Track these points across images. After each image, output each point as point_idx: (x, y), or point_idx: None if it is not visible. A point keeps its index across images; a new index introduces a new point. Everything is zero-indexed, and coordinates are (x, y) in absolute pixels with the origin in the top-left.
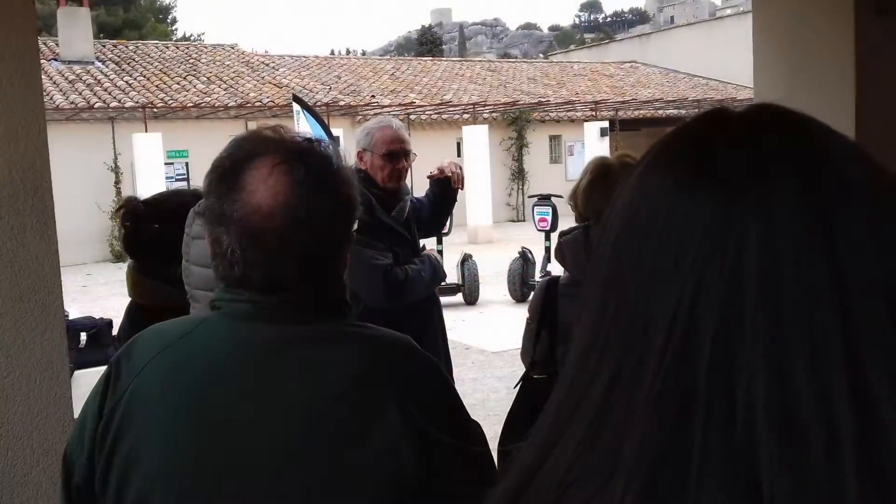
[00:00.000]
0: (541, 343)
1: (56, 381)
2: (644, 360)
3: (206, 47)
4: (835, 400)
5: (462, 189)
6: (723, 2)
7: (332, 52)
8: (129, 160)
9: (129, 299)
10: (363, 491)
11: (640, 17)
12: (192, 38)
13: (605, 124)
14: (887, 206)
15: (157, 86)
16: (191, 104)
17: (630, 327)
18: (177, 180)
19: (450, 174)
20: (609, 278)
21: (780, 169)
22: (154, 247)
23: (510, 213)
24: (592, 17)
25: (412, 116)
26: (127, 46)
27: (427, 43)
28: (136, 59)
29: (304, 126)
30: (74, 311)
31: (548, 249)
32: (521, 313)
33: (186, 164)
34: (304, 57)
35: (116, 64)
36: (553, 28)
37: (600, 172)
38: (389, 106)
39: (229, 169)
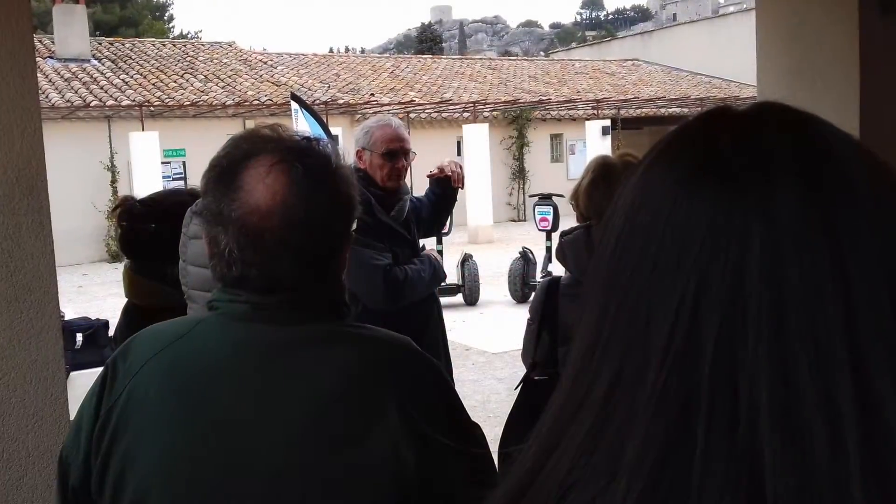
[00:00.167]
0: (542, 344)
1: (52, 383)
2: (646, 360)
3: (203, 45)
4: (838, 400)
5: (462, 188)
6: None
7: (331, 50)
8: (126, 159)
9: (125, 300)
10: (362, 492)
11: (642, 14)
12: (189, 35)
13: (607, 123)
14: (891, 205)
15: (153, 84)
16: (188, 103)
17: (632, 328)
18: (174, 179)
19: (450, 173)
20: (610, 278)
21: (783, 168)
22: (151, 247)
23: (511, 213)
24: (594, 14)
25: (412, 115)
26: (123, 44)
27: (427, 41)
28: (133, 57)
29: (302, 125)
30: (70, 311)
31: (549, 249)
32: (521, 314)
33: (183, 163)
34: (303, 55)
35: (113, 62)
36: (554, 25)
37: (602, 172)
38: (389, 104)
39: (227, 168)
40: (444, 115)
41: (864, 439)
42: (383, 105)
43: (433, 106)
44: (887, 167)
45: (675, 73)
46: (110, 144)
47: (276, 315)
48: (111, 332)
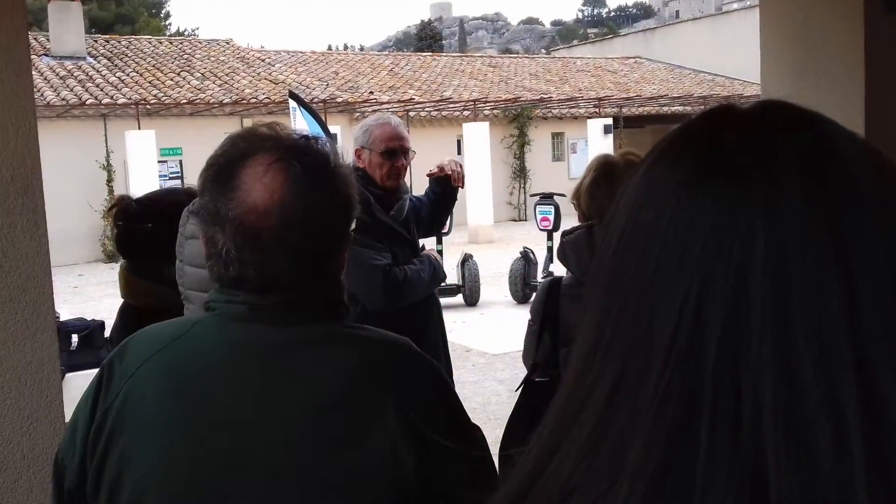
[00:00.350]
0: (543, 345)
1: (47, 384)
2: (648, 361)
3: (200, 42)
4: (843, 400)
5: (462, 187)
6: None
7: (330, 48)
8: (122, 158)
9: (121, 300)
10: (361, 493)
11: (644, 11)
12: (186, 33)
13: (609, 121)
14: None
15: (150, 82)
16: (185, 101)
17: (634, 328)
18: (170, 178)
19: (450, 172)
20: (613, 278)
21: (787, 166)
22: (147, 247)
23: (511, 213)
24: (596, 11)
25: (411, 113)
26: (119, 42)
27: (427, 38)
28: (129, 55)
29: (300, 123)
30: (66, 312)
31: (550, 249)
32: (522, 315)
33: (180, 161)
34: (301, 52)
35: (109, 59)
36: (555, 23)
37: (604, 171)
38: (388, 102)
39: (224, 167)
40: (443, 113)
41: (868, 439)
42: (382, 103)
43: (433, 104)
44: (892, 165)
45: (678, 71)
46: (106, 143)
47: (274, 316)
48: (107, 334)
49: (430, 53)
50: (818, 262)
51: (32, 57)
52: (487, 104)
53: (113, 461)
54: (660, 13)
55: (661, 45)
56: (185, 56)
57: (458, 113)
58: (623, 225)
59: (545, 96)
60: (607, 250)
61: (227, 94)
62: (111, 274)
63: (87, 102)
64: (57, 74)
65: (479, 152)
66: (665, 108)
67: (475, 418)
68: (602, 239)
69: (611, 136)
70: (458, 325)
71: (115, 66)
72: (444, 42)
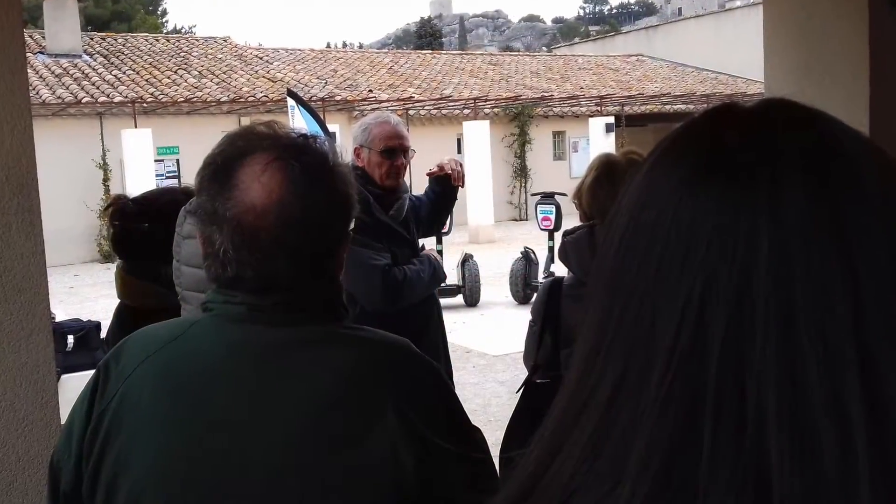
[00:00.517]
0: (544, 346)
1: (42, 386)
2: (651, 362)
3: (197, 40)
4: (847, 400)
5: (462, 187)
6: None
7: (328, 45)
8: (118, 157)
9: (117, 301)
10: (360, 494)
11: (646, 8)
12: (183, 30)
13: (611, 120)
14: None
15: (146, 80)
16: (182, 99)
17: (636, 329)
18: (167, 178)
19: (450, 171)
20: (614, 278)
21: (791, 165)
22: (144, 247)
23: (512, 212)
24: (597, 8)
25: (411, 112)
26: (116, 39)
27: (426, 35)
28: (126, 53)
29: (299, 122)
30: (61, 312)
31: (551, 249)
32: (523, 315)
33: (177, 160)
34: (299, 50)
35: (105, 57)
36: (557, 20)
37: (605, 170)
38: (387, 101)
39: (222, 166)
40: (443, 111)
41: (872, 440)
42: (382, 101)
43: (433, 102)
44: None
45: (681, 69)
46: (102, 142)
47: (272, 316)
48: (103, 334)
49: (430, 51)
50: (822, 261)
51: (28, 55)
52: (488, 102)
53: (109, 463)
54: (662, 10)
55: (664, 42)
56: (182, 54)
57: (459, 111)
58: (625, 224)
59: (546, 94)
60: (609, 250)
61: (225, 92)
62: (107, 274)
63: (83, 101)
64: (52, 72)
65: (479, 151)
66: (667, 107)
67: (475, 420)
68: (604, 239)
69: (612, 134)
70: (459, 326)
71: (112, 63)
72: (443, 40)
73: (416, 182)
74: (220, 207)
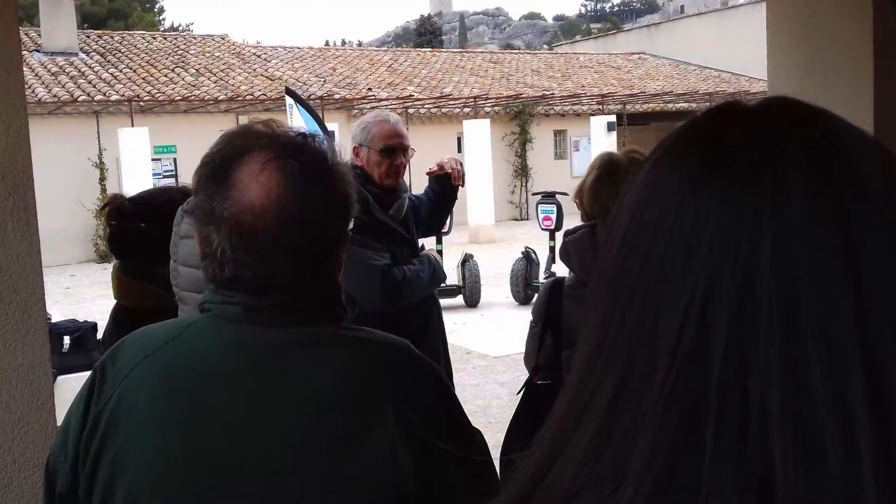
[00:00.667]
0: (545, 347)
1: (38, 387)
2: (653, 363)
3: (194, 38)
4: (851, 401)
5: (463, 186)
6: None
7: (327, 43)
8: (115, 156)
9: (114, 301)
10: (359, 496)
11: (648, 6)
12: (180, 28)
13: (613, 118)
14: None
15: (143, 78)
16: (179, 97)
17: (638, 330)
18: (164, 177)
19: (450, 171)
20: (616, 278)
21: (795, 164)
22: (140, 246)
23: (513, 212)
24: (599, 6)
25: (411, 110)
26: (112, 37)
27: (426, 33)
28: (122, 51)
29: (297, 120)
30: (57, 313)
31: (552, 249)
32: (524, 316)
33: (174, 160)
34: (298, 48)
35: (101, 55)
36: (558, 18)
37: (607, 169)
38: (387, 99)
39: (219, 165)
40: (443, 110)
41: (876, 441)
42: (381, 100)
43: (433, 101)
44: None
45: (683, 67)
46: (99, 141)
47: (270, 317)
48: (100, 335)
49: (430, 49)
50: (825, 260)
51: (23, 53)
52: (488, 101)
53: (106, 465)
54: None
55: (666, 40)
56: (180, 52)
57: (459, 110)
58: (627, 224)
59: (547, 93)
60: (611, 250)
61: (223, 90)
62: (104, 274)
63: (80, 99)
64: (48, 71)
65: (479, 150)
66: (670, 105)
67: (476, 422)
68: (605, 238)
69: (614, 133)
70: (459, 327)
71: (108, 62)
72: (444, 37)
73: (416, 181)
74: (217, 207)
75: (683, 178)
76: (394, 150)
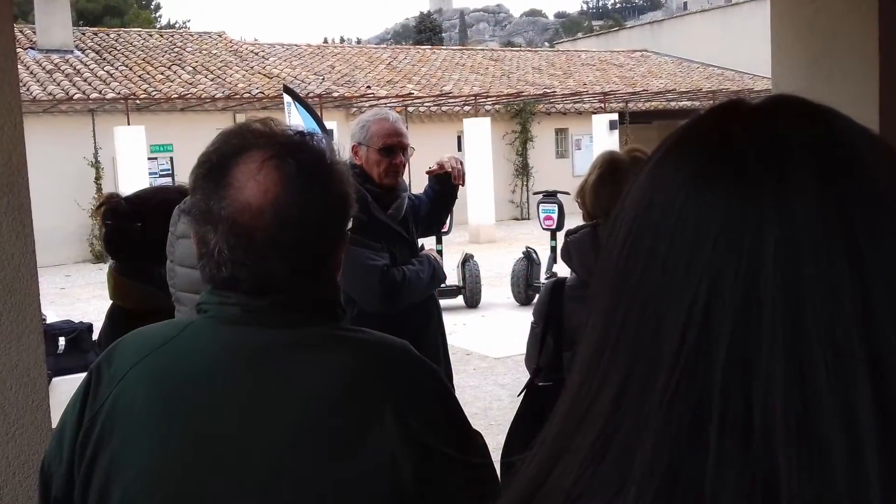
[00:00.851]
0: (546, 348)
1: (33, 389)
2: (656, 365)
3: (191, 35)
4: (857, 405)
5: (463, 185)
6: None
7: (326, 41)
8: (111, 155)
9: (110, 302)
10: (358, 500)
11: (651, 3)
12: (177, 25)
13: (615, 117)
14: None
15: (140, 76)
16: (176, 95)
17: (641, 331)
18: (161, 176)
19: (450, 169)
20: (618, 279)
21: (799, 163)
22: (137, 246)
23: (514, 211)
24: (601, 3)
25: (410, 108)
26: (108, 34)
27: (426, 30)
28: (118, 48)
29: (295, 119)
30: (52, 314)
31: (553, 249)
32: (525, 317)
33: (171, 158)
34: (296, 45)
35: (97, 53)
36: (559, 15)
37: (609, 168)
38: (386, 97)
39: (216, 164)
40: (443, 108)
41: (883, 446)
42: (380, 98)
43: (432, 99)
44: None
45: (686, 65)
46: (94, 139)
47: (268, 318)
48: (95, 336)
49: (430, 46)
50: (831, 261)
51: (18, 50)
52: (489, 99)
53: (101, 468)
54: (667, 5)
55: (669, 37)
56: (176, 49)
57: (459, 108)
58: (629, 224)
59: (548, 91)
60: (613, 250)
61: (220, 88)
62: (99, 275)
63: (75, 97)
64: (43, 68)
65: (480, 149)
66: (673, 103)
67: (476, 424)
68: (607, 238)
69: (616, 132)
70: (459, 328)
71: (104, 59)
72: (443, 35)
73: (416, 180)
74: (214, 206)
75: (686, 178)
76: (393, 149)
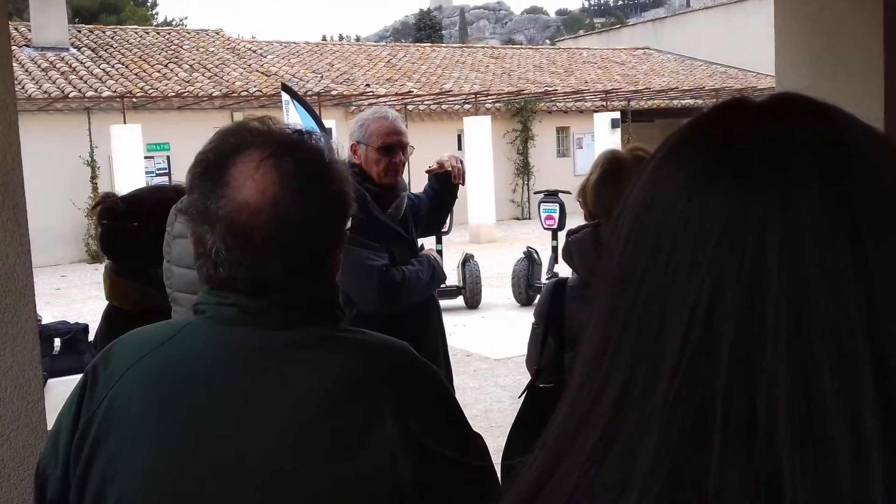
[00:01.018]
0: (547, 349)
1: (28, 391)
2: (658, 366)
3: (188, 33)
4: (861, 406)
5: (463, 185)
6: None
7: (324, 38)
8: (107, 153)
9: (106, 302)
10: (357, 503)
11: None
12: (173, 22)
13: (617, 115)
14: None
15: (136, 74)
16: (172, 94)
17: (643, 332)
18: (157, 175)
19: (450, 169)
20: (620, 279)
21: (803, 162)
22: (133, 246)
23: (514, 211)
24: (602, 0)
25: (410, 107)
26: (104, 32)
27: (426, 28)
28: (114, 46)
29: (293, 117)
30: (48, 315)
31: (555, 249)
32: (526, 317)
33: (168, 157)
34: (294, 43)
35: (93, 50)
36: (560, 12)
37: (611, 167)
38: (385, 95)
39: (214, 163)
40: (443, 106)
41: (887, 446)
42: (379, 96)
43: (432, 97)
44: None
45: (689, 63)
46: (90, 138)
47: (266, 318)
48: (91, 337)
49: (430, 44)
50: (835, 261)
51: (13, 48)
52: (489, 97)
53: (97, 470)
54: (670, 2)
55: (672, 35)
56: (173, 47)
57: (459, 106)
58: (631, 223)
59: (550, 89)
60: (615, 250)
61: (217, 86)
62: (95, 275)
63: (71, 95)
64: (39, 66)
65: (480, 148)
66: (675, 102)
67: (476, 426)
68: (609, 238)
69: (618, 130)
70: (459, 329)
71: (100, 57)
72: (443, 32)
73: (415, 180)
74: (211, 206)
75: (689, 177)
76: (392, 148)
